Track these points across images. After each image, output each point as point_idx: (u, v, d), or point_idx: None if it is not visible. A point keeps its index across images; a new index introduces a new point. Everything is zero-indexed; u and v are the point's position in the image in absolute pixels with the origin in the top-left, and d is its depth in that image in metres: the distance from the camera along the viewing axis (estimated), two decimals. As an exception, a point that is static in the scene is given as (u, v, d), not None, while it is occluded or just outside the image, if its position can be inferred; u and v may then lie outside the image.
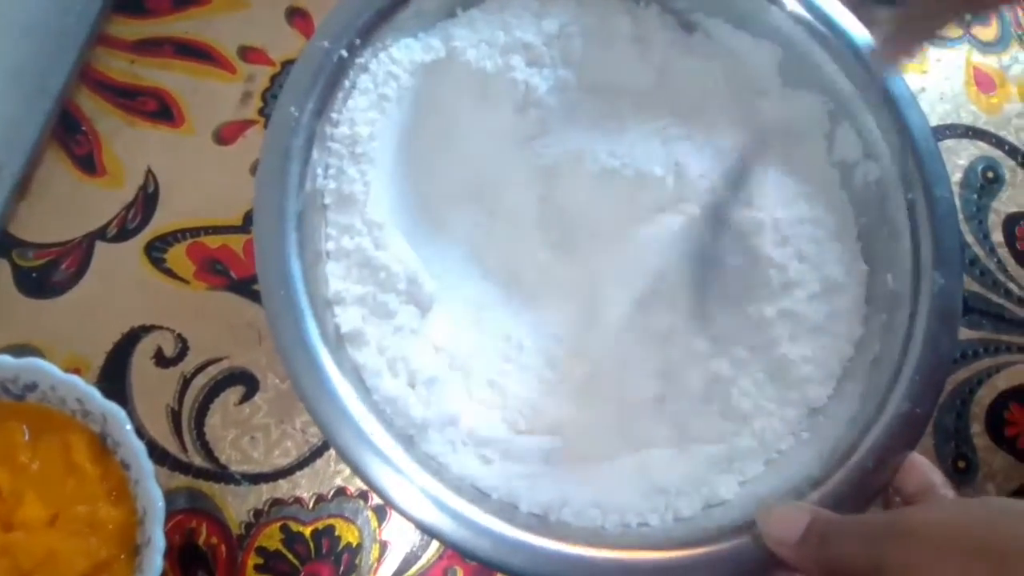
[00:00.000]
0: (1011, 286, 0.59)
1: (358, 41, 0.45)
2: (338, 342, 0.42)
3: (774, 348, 0.46)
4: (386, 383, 0.42)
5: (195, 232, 0.54)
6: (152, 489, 0.43)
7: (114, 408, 0.44)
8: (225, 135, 0.57)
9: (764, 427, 0.45)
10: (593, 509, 0.41)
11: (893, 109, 0.47)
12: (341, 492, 0.50)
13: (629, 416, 0.47)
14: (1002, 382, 0.57)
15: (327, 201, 0.44)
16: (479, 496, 0.41)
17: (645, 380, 0.48)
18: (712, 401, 0.47)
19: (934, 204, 0.45)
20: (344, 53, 0.44)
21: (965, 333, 0.58)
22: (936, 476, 0.39)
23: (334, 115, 0.45)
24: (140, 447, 0.43)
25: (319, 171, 0.44)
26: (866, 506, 0.40)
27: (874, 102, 0.47)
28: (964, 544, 0.30)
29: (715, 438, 0.45)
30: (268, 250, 0.41)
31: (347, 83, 0.45)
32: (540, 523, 0.41)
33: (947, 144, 0.63)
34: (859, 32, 0.48)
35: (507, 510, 0.41)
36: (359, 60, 0.45)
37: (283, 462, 0.51)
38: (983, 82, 0.64)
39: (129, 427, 0.44)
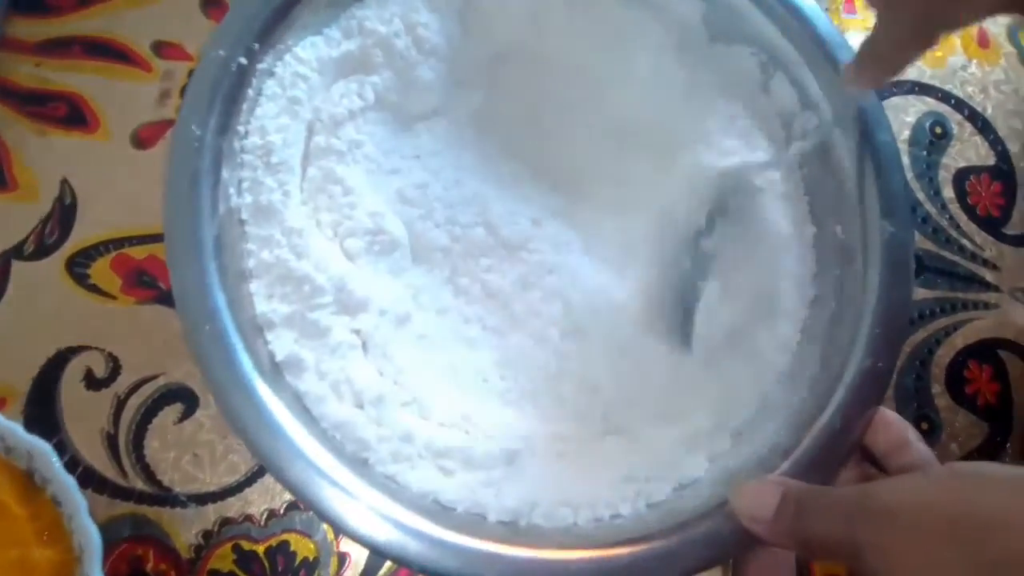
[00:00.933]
0: (964, 242, 0.59)
1: (257, 46, 0.42)
2: (275, 371, 0.40)
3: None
4: (332, 408, 0.41)
5: (119, 243, 0.51)
6: (87, 525, 0.41)
7: (39, 443, 0.41)
8: (144, 138, 0.53)
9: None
10: (563, 508, 0.40)
11: (826, 54, 0.46)
12: (294, 506, 0.48)
13: (589, 406, 0.46)
14: (960, 340, 0.57)
15: (244, 216, 0.42)
16: (444, 511, 0.40)
17: (601, 369, 0.47)
18: (670, 379, 0.46)
19: (877, 150, 0.44)
20: (243, 60, 0.42)
21: (921, 293, 0.57)
22: (909, 432, 0.39)
23: (241, 128, 0.42)
24: (71, 482, 0.41)
25: (232, 190, 0.41)
26: (839, 468, 0.40)
27: (806, 49, 0.46)
28: (935, 525, 0.30)
29: (676, 417, 0.45)
30: (187, 285, 0.38)
31: (251, 92, 0.42)
32: (510, 531, 0.39)
33: (894, 101, 0.61)
34: None
35: (475, 522, 0.39)
36: (261, 65, 0.43)
37: (230, 479, 0.48)
38: (926, 35, 0.63)
39: (57, 461, 0.41)
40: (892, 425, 0.39)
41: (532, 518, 0.40)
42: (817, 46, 0.46)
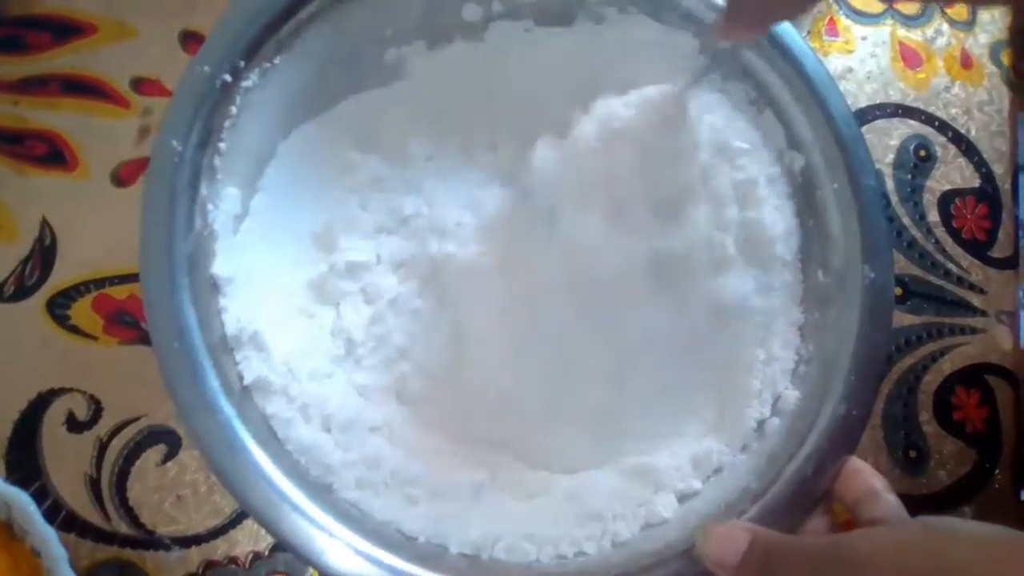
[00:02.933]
0: (950, 266, 0.58)
1: (243, 63, 0.42)
2: (243, 393, 0.40)
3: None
4: (299, 431, 0.40)
5: (99, 283, 0.51)
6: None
7: (17, 493, 0.41)
8: (124, 176, 0.53)
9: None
10: (526, 543, 0.40)
11: (814, 94, 0.45)
12: (278, 548, 0.48)
13: (559, 436, 0.46)
14: (947, 366, 0.56)
15: (217, 228, 0.41)
16: (406, 541, 0.39)
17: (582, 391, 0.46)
18: (645, 416, 0.45)
19: (860, 193, 0.44)
20: (228, 78, 0.41)
21: (907, 319, 0.57)
22: (877, 481, 0.38)
23: (222, 144, 0.42)
24: (51, 533, 0.41)
25: (210, 206, 0.41)
26: (807, 516, 0.39)
27: (794, 87, 0.46)
28: None
29: (648, 453, 0.44)
30: (158, 301, 0.38)
31: (234, 109, 0.42)
32: (471, 564, 0.39)
33: (878, 124, 0.61)
34: None
35: (436, 553, 0.39)
36: (246, 83, 0.42)
37: (214, 521, 0.48)
38: (909, 58, 0.63)
39: (36, 511, 0.41)
40: (860, 473, 0.39)
41: (494, 552, 0.39)
42: (804, 85, 0.45)
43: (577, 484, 0.43)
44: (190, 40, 0.56)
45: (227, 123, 0.42)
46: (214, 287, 0.41)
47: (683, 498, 0.43)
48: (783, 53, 0.46)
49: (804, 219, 0.46)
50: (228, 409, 0.38)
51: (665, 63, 0.49)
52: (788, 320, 0.46)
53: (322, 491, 0.39)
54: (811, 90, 0.45)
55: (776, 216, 0.46)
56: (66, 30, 0.55)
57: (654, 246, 0.44)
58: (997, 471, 0.54)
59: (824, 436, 0.40)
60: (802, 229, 0.47)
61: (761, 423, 0.44)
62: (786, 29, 0.46)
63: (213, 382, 0.38)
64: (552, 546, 0.40)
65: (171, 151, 0.40)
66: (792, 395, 0.44)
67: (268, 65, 0.43)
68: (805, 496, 0.39)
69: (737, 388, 0.45)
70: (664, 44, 0.49)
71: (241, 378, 0.40)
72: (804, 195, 0.46)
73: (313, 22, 0.44)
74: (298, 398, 0.41)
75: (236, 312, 0.41)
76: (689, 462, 0.43)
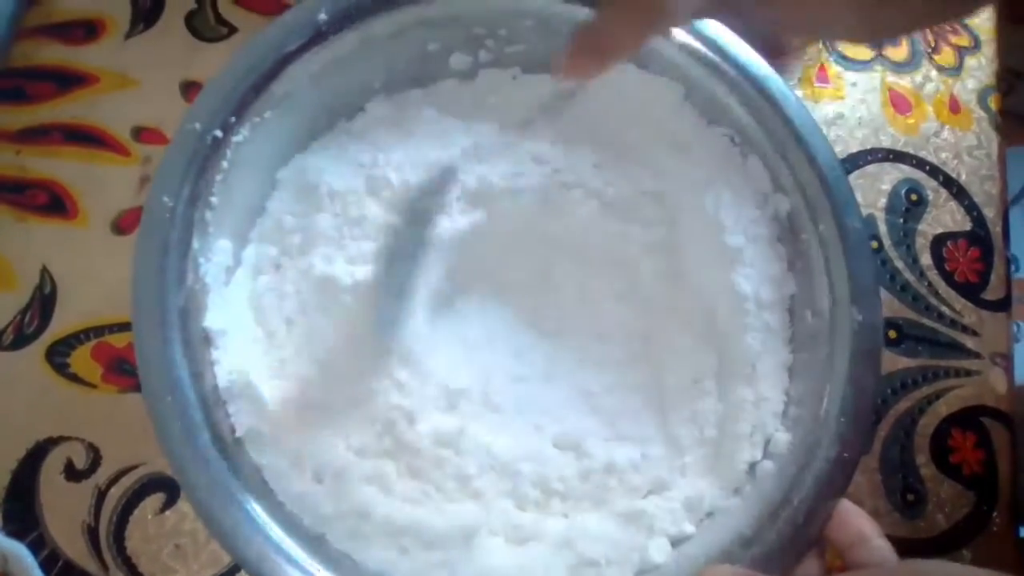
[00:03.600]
0: (943, 309, 0.59)
1: (233, 119, 0.43)
2: (236, 444, 0.40)
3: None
4: (292, 482, 0.41)
5: (99, 331, 0.51)
6: (65, 630, 0.40)
7: (14, 546, 0.41)
8: (124, 225, 0.53)
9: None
10: None
11: (797, 139, 0.46)
12: (277, 597, 0.48)
13: (555, 483, 0.46)
14: (943, 408, 0.57)
15: (209, 281, 0.42)
16: None
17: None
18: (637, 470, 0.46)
19: (846, 235, 0.44)
20: (219, 133, 0.42)
21: (902, 362, 0.57)
22: (867, 526, 0.38)
23: (214, 198, 0.42)
24: (48, 586, 0.40)
25: (201, 259, 0.42)
26: (800, 559, 0.39)
27: (777, 132, 0.47)
28: None
29: (643, 502, 0.44)
30: (150, 355, 0.39)
31: (225, 163, 0.43)
32: None
33: (869, 169, 0.62)
34: (755, 62, 0.47)
35: None
36: (236, 138, 0.43)
37: (212, 571, 0.48)
38: (899, 103, 0.64)
39: (33, 563, 0.41)
40: (852, 517, 0.39)
41: None
42: (788, 129, 0.46)
43: (570, 528, 0.43)
44: (191, 89, 0.57)
45: (219, 177, 0.42)
46: (206, 340, 0.41)
47: (676, 542, 0.43)
48: (766, 97, 0.47)
49: (792, 262, 0.47)
50: (220, 462, 0.38)
51: (648, 109, 0.50)
52: (777, 361, 0.46)
53: (315, 541, 0.39)
54: (794, 134, 0.46)
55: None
56: (68, 80, 0.56)
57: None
58: (995, 513, 0.54)
59: (816, 479, 0.40)
60: (790, 272, 0.47)
61: (753, 466, 0.44)
62: (769, 74, 0.47)
63: (205, 435, 0.38)
64: None
65: (163, 207, 0.40)
66: (783, 438, 0.44)
67: (258, 119, 0.44)
68: (798, 540, 0.39)
69: (727, 431, 0.45)
70: (648, 91, 0.50)
71: (234, 430, 0.40)
72: (791, 238, 0.47)
73: (302, 78, 0.45)
74: (290, 449, 0.41)
75: (228, 364, 0.42)
76: (682, 505, 0.43)
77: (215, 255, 0.43)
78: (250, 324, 0.45)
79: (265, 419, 0.41)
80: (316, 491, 0.41)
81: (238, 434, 0.40)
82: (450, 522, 0.42)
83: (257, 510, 0.38)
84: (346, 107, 0.49)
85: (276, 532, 0.38)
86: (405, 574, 0.40)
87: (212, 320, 0.42)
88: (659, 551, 0.42)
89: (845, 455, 0.40)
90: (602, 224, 0.50)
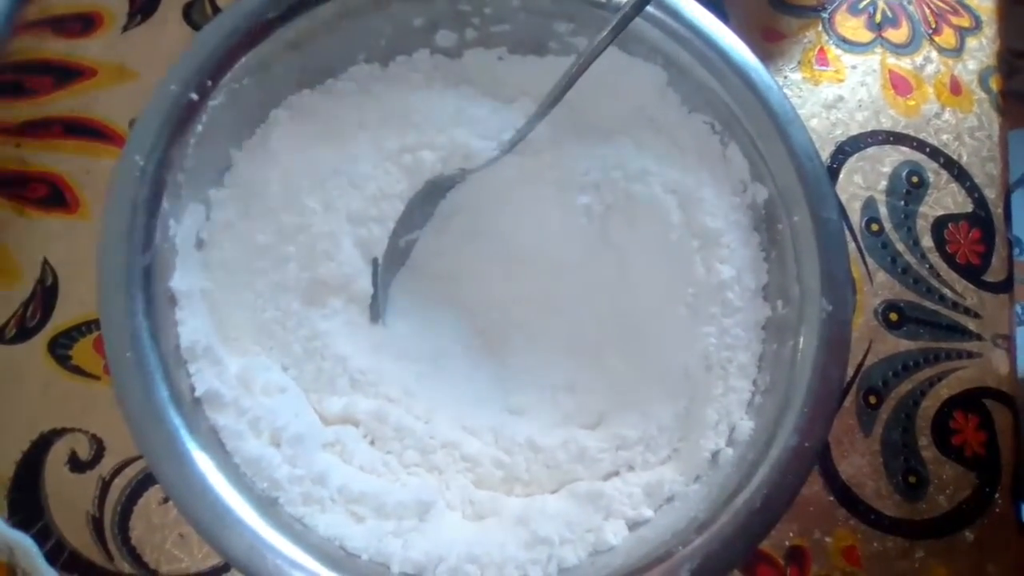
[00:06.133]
0: (945, 291, 0.59)
1: (210, 83, 0.43)
2: (194, 404, 0.41)
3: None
4: (248, 444, 0.41)
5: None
6: (71, 619, 0.40)
7: (20, 537, 0.41)
8: (124, 216, 0.54)
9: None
10: (469, 565, 0.40)
11: (778, 129, 0.46)
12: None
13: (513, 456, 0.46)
14: (945, 390, 0.56)
15: (178, 243, 0.42)
16: (348, 558, 0.40)
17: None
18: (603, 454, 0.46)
19: (820, 226, 0.44)
20: (194, 96, 0.42)
21: (904, 344, 0.57)
22: None
23: (187, 161, 0.43)
24: (53, 575, 0.41)
25: (172, 221, 0.42)
26: (754, 547, 0.40)
27: (757, 120, 0.46)
28: None
29: (604, 484, 0.45)
30: (112, 311, 0.39)
31: (200, 127, 0.43)
32: None
33: (870, 152, 0.62)
34: (740, 51, 0.47)
35: (378, 572, 0.40)
36: (212, 103, 0.43)
37: (217, 560, 0.48)
38: (899, 85, 0.64)
39: (39, 554, 0.41)
40: None
41: (437, 573, 0.40)
42: (768, 119, 0.46)
43: (527, 507, 0.44)
44: (189, 81, 0.57)
45: (192, 140, 0.43)
46: (171, 300, 0.42)
47: (633, 526, 0.43)
48: (748, 86, 0.47)
49: (768, 251, 0.47)
50: (176, 419, 0.39)
51: (632, 92, 0.50)
52: (748, 351, 0.46)
53: (267, 504, 0.40)
54: (774, 123, 0.46)
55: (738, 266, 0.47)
56: (66, 73, 0.56)
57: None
58: (997, 495, 0.54)
59: (775, 468, 0.40)
60: (766, 262, 0.47)
61: (715, 453, 0.44)
62: (753, 64, 0.47)
63: (163, 392, 0.39)
64: (496, 569, 0.40)
65: (134, 166, 0.41)
66: (746, 425, 0.44)
67: (236, 86, 0.44)
68: (751, 529, 0.40)
69: (694, 419, 0.46)
70: (632, 74, 0.50)
71: (193, 390, 0.41)
72: (767, 227, 0.47)
73: (284, 47, 0.46)
74: (249, 411, 0.42)
75: (192, 325, 0.42)
76: (642, 490, 0.44)
77: (186, 218, 0.43)
78: (218, 286, 0.45)
79: (225, 381, 0.42)
80: (271, 455, 0.41)
81: (197, 393, 0.41)
82: (408, 494, 0.43)
83: (210, 469, 0.38)
84: (325, 77, 0.50)
85: (227, 492, 0.38)
86: (357, 541, 0.40)
87: (179, 281, 0.42)
88: (615, 533, 0.42)
89: (806, 444, 0.41)
90: (578, 207, 0.50)
